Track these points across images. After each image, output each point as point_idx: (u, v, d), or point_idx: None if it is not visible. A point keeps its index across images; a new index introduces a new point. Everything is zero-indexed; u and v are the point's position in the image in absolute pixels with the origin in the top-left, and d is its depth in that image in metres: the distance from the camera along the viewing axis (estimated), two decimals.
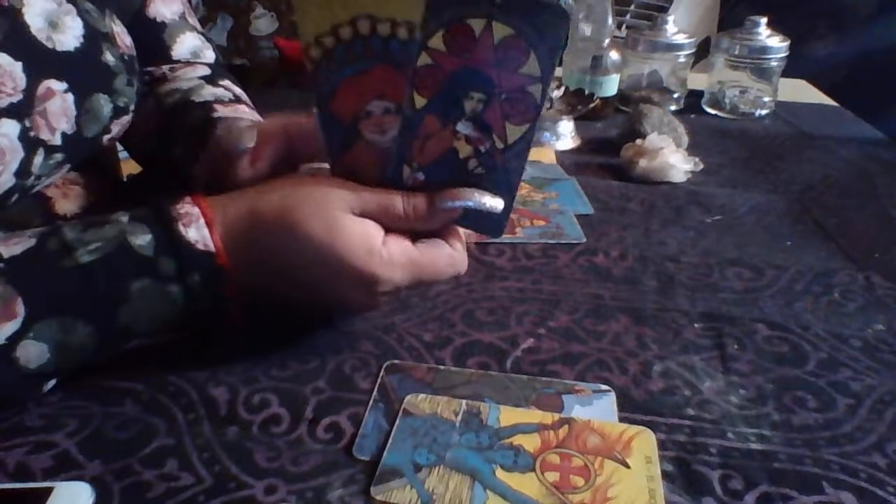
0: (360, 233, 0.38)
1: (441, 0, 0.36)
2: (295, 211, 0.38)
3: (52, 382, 0.39)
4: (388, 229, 0.40)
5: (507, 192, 0.41)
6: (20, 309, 0.35)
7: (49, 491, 0.32)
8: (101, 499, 0.33)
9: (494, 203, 0.40)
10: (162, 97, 0.59)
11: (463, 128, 0.38)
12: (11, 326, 0.35)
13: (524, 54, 0.36)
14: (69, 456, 0.36)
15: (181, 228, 0.38)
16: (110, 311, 0.37)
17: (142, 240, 0.37)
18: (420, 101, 0.38)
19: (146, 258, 0.37)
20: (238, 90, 0.63)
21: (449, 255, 0.41)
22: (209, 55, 0.65)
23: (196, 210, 0.38)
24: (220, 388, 0.41)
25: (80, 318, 0.36)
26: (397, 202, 0.39)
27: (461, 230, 0.43)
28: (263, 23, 2.08)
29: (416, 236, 0.41)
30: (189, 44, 0.63)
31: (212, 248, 0.38)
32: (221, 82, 0.62)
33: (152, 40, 0.61)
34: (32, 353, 0.36)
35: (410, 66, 0.37)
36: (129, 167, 0.69)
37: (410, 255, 0.40)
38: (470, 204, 0.40)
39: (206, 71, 0.63)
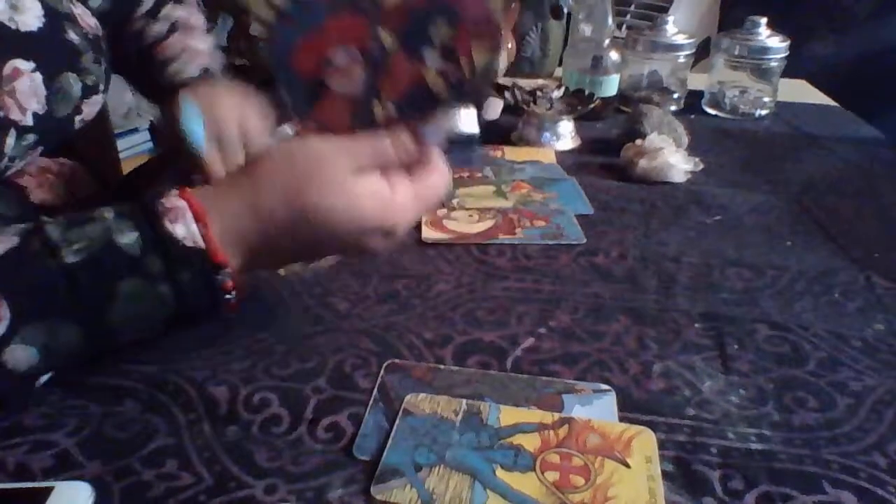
0: (371, 192, 0.38)
1: None
2: (302, 195, 0.37)
3: (47, 377, 0.39)
4: (384, 171, 0.40)
5: (479, 117, 0.41)
6: (5, 313, 0.34)
7: (49, 490, 0.32)
8: (101, 499, 0.33)
9: (472, 129, 0.40)
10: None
11: (431, 59, 0.39)
12: None
13: None
14: (69, 455, 0.36)
15: (167, 225, 0.36)
16: (98, 312, 0.36)
17: (127, 238, 0.36)
18: (387, 38, 0.38)
19: (133, 257, 0.36)
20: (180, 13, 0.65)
21: (440, 177, 0.41)
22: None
23: (182, 203, 0.37)
24: (220, 387, 0.41)
25: (67, 320, 0.36)
26: (387, 148, 0.39)
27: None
28: None
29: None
30: None
31: (201, 244, 0.36)
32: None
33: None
34: (20, 356, 0.35)
35: (372, 6, 0.37)
36: (129, 166, 0.69)
37: (417, 193, 0.40)
38: (451, 131, 0.40)
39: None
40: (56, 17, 0.46)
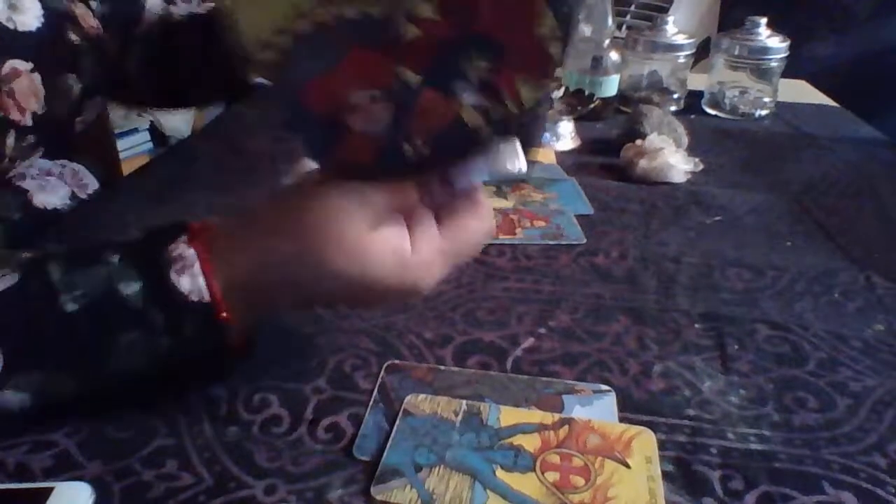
0: (388, 250, 0.35)
1: None
2: (314, 251, 0.35)
3: None
4: (411, 220, 0.37)
5: (530, 148, 0.37)
6: None
7: (49, 491, 0.32)
8: (101, 499, 0.33)
9: (516, 166, 0.36)
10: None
11: (469, 97, 0.34)
12: None
13: (537, 10, 0.32)
14: (69, 456, 0.36)
15: (173, 276, 0.34)
16: (95, 363, 0.35)
17: (131, 288, 0.34)
18: (413, 77, 0.34)
19: (135, 309, 0.34)
20: None
21: (477, 223, 0.38)
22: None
23: (191, 253, 0.35)
24: (221, 388, 0.41)
25: (62, 370, 0.35)
26: (413, 198, 0.36)
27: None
28: None
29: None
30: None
31: (206, 298, 0.35)
32: None
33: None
34: (12, 400, 0.34)
35: (393, 43, 0.33)
36: (129, 166, 0.69)
37: (442, 248, 0.37)
38: (488, 175, 0.36)
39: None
40: (56, 17, 0.46)
